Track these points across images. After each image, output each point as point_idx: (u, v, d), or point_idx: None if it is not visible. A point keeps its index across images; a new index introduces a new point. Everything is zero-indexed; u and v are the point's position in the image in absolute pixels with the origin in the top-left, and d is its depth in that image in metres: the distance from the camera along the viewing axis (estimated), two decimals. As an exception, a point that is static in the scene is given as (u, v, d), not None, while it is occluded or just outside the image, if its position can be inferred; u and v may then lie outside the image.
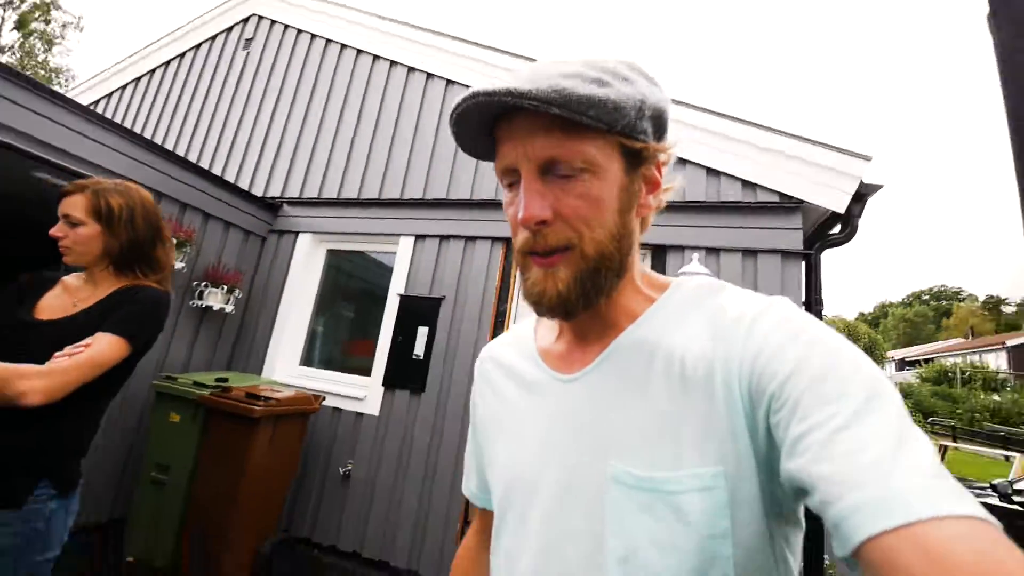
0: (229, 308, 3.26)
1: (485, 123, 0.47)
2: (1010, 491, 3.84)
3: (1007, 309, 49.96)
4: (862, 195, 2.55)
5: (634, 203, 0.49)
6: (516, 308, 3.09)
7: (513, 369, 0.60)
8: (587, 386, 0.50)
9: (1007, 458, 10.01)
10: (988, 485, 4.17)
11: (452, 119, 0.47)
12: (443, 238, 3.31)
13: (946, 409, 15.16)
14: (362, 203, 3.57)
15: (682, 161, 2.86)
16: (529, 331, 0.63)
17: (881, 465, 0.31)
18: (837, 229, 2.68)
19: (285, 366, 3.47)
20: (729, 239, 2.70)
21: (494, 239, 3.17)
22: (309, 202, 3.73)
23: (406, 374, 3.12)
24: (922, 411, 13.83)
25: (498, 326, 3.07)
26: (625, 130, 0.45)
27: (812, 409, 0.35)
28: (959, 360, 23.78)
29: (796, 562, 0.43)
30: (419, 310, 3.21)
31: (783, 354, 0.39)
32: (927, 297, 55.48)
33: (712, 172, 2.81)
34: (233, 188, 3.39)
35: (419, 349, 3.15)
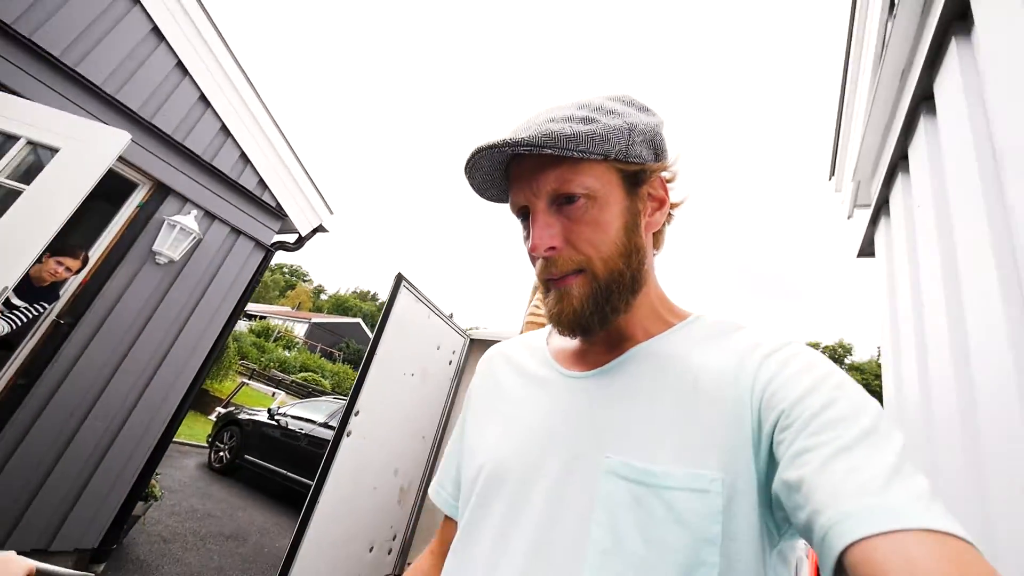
0: None
1: (496, 168, 0.52)
2: (275, 413, 6.29)
3: (323, 296, 71.70)
4: (317, 229, 3.99)
5: (639, 221, 0.51)
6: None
7: (521, 365, 0.61)
8: (596, 384, 0.51)
9: (274, 394, 14.55)
10: (266, 410, 6.55)
11: (467, 172, 0.51)
12: None
13: (255, 356, 19.74)
14: None
15: (227, 134, 3.28)
16: (541, 340, 0.63)
17: (877, 481, 0.32)
18: (292, 240, 3.96)
19: None
20: (228, 212, 3.35)
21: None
22: None
23: None
24: (241, 354, 17.34)
25: None
26: (619, 156, 0.48)
27: (820, 428, 0.36)
28: (280, 323, 31.38)
29: None
30: None
31: (797, 380, 0.41)
32: (287, 272, 70.21)
33: (245, 158, 3.41)
34: None
35: None
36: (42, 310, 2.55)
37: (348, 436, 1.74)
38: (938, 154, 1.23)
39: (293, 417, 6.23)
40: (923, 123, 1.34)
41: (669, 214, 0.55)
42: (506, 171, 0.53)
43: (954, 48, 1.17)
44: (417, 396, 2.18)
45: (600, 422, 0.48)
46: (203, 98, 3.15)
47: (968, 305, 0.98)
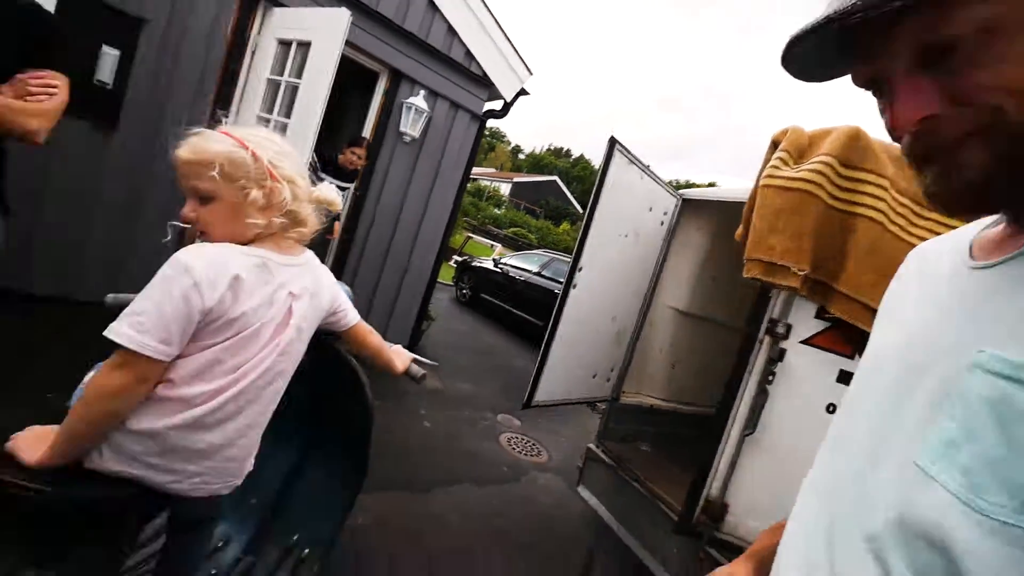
0: None
1: (826, 44, 0.38)
2: (498, 262, 7.59)
3: (520, 156, 75.29)
4: (520, 93, 4.09)
5: None
6: (250, 66, 2.99)
7: (927, 261, 0.50)
8: (999, 273, 0.39)
9: (492, 246, 17.11)
10: (491, 259, 7.93)
11: (784, 62, 0.41)
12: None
13: (473, 212, 22.97)
14: None
15: (434, 8, 3.44)
16: (971, 228, 0.47)
17: None
18: (499, 106, 4.18)
19: None
20: (446, 88, 3.70)
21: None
22: None
23: (83, 103, 2.53)
24: (463, 212, 20.45)
25: (231, 65, 2.92)
26: None
27: None
28: (488, 183, 34.89)
29: None
30: (101, 24, 2.50)
31: None
32: (488, 135, 75.38)
33: (452, 31, 3.58)
34: None
35: (106, 74, 2.55)
36: (350, 186, 3.51)
37: (574, 288, 2.06)
38: None
39: (511, 266, 7.44)
40: None
41: None
42: (837, 44, 0.39)
43: None
44: (631, 255, 2.33)
45: (985, 313, 0.37)
46: (412, -26, 3.31)
47: None
